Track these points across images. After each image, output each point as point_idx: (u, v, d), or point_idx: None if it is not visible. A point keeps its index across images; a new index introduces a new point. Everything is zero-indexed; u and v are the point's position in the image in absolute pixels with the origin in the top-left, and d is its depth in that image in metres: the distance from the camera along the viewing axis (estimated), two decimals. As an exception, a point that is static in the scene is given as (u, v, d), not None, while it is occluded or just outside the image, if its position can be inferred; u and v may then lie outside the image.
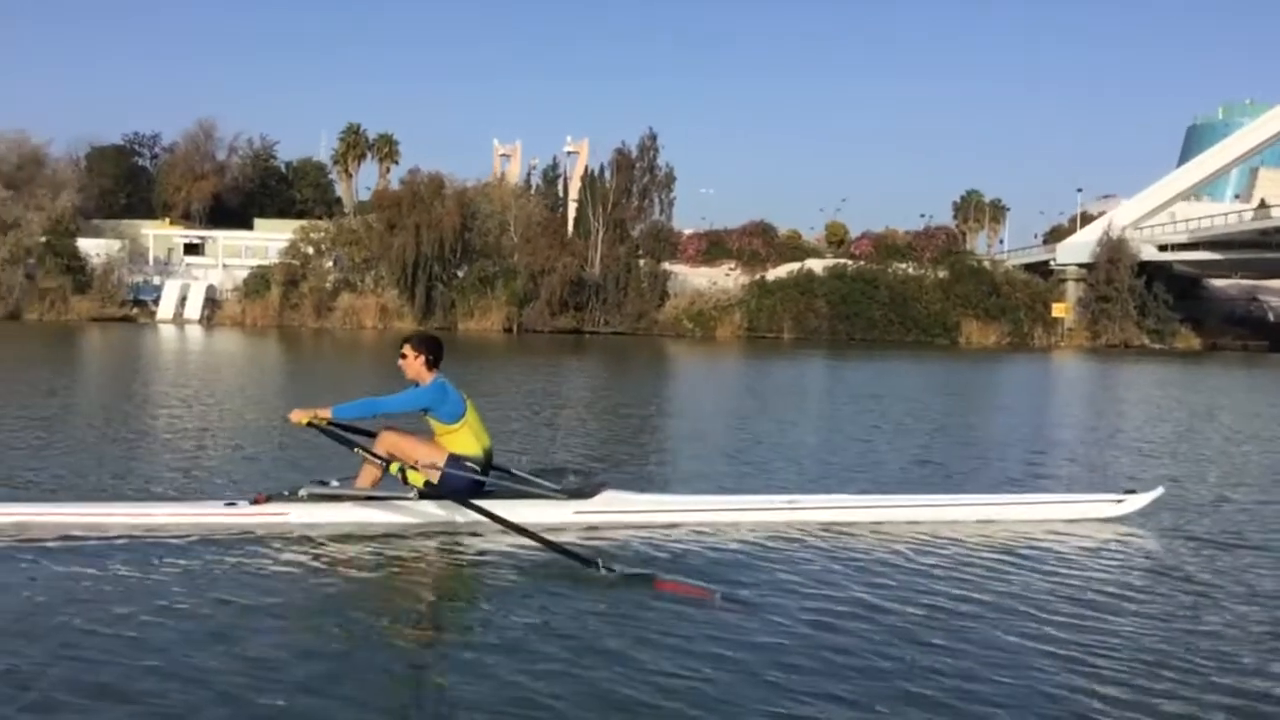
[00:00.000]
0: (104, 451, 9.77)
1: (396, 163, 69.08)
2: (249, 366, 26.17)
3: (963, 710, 3.89)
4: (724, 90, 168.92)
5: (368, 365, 27.34)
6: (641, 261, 57.87)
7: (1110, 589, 5.62)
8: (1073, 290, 59.17)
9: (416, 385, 6.65)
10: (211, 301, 56.73)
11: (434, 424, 6.58)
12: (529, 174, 76.38)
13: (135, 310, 55.16)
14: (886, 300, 57.99)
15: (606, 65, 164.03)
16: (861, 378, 27.35)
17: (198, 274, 59.47)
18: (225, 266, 60.25)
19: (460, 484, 6.40)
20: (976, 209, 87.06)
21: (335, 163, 70.75)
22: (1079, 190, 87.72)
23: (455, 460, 6.47)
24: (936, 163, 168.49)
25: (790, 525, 6.78)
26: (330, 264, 56.53)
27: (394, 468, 6.27)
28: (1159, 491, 7.36)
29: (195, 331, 47.33)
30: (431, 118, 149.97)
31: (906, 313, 57.75)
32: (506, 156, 78.25)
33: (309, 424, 6.38)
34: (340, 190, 71.32)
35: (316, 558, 5.80)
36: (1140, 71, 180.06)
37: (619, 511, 6.60)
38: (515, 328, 53.99)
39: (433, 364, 6.65)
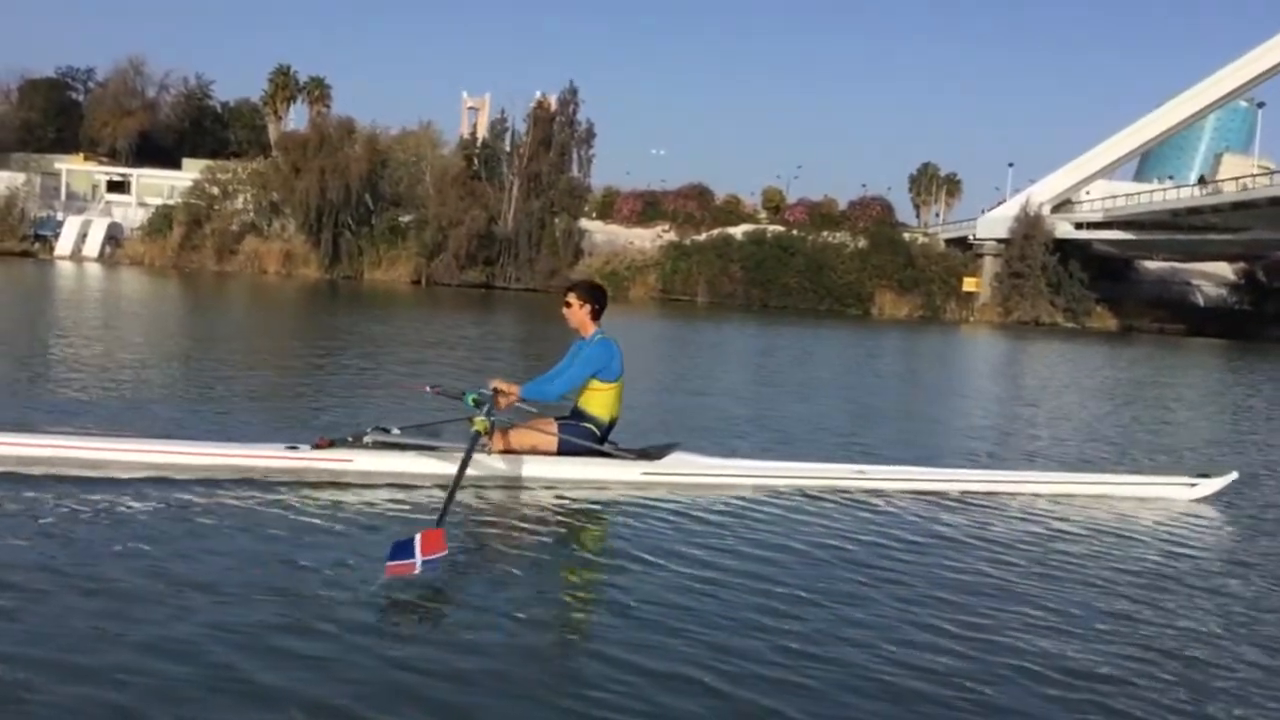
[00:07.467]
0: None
1: (328, 107, 67.97)
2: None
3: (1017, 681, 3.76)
4: (689, 50, 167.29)
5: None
6: (556, 218, 57.21)
7: (1174, 570, 5.53)
8: (990, 265, 58.38)
9: (578, 336, 6.52)
10: (113, 239, 55.94)
11: (592, 380, 6.40)
12: (473, 127, 74.63)
13: (36, 245, 54.47)
14: (802, 268, 57.32)
15: (585, 22, 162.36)
16: (795, 345, 26.76)
17: (115, 212, 58.71)
18: (144, 205, 59.44)
19: (572, 447, 6.28)
20: (930, 182, 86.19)
21: (264, 104, 69.69)
22: (1010, 165, 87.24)
23: (580, 414, 6.37)
24: (901, 135, 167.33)
25: (860, 493, 6.72)
26: (240, 205, 55.77)
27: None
28: (1233, 476, 7.47)
29: (92, 269, 46.63)
30: (403, 70, 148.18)
31: (821, 281, 57.10)
32: (475, 109, 76.01)
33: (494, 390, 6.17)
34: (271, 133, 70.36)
35: (386, 504, 5.60)
36: (1111, 51, 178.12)
37: (686, 474, 6.56)
38: (423, 280, 53.44)
39: (597, 314, 6.50)
